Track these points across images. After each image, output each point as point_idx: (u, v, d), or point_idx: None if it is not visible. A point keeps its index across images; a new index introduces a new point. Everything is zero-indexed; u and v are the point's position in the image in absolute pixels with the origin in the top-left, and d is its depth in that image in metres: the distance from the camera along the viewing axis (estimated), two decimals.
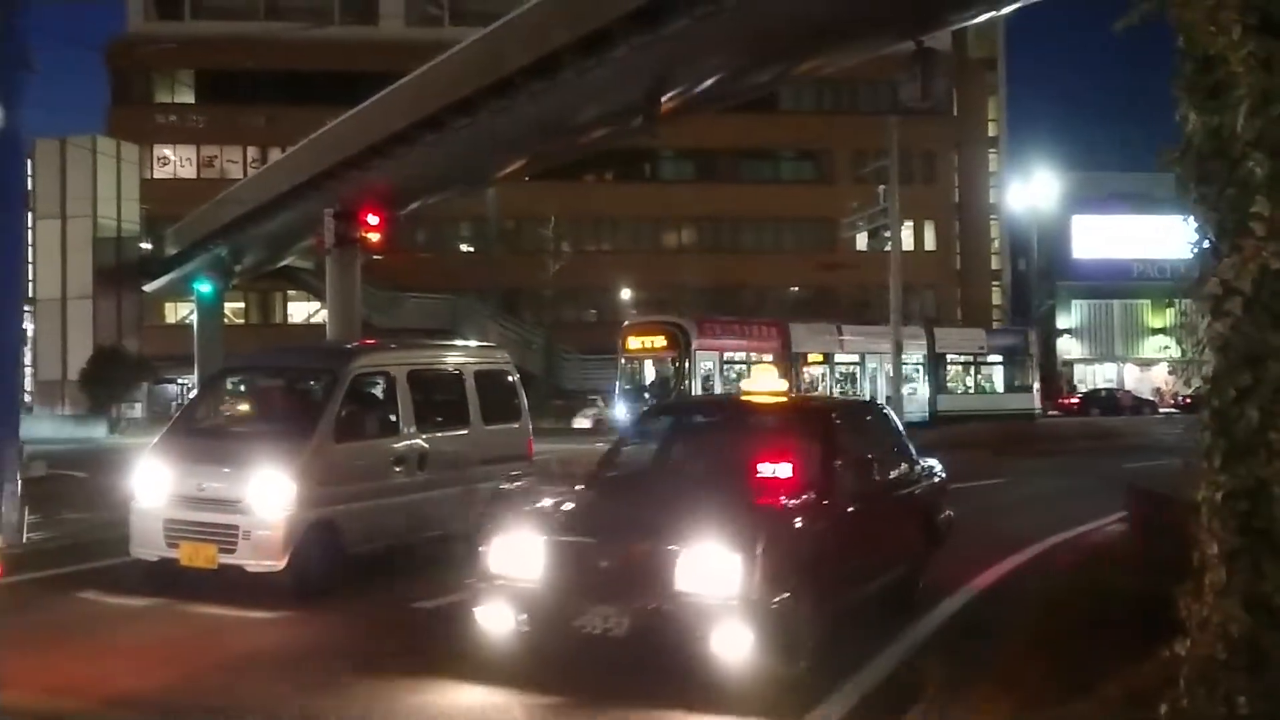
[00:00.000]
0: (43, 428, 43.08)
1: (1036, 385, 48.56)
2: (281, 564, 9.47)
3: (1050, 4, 25.90)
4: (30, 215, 47.30)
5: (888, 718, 6.27)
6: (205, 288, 47.21)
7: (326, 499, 9.84)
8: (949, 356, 44.51)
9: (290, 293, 63.56)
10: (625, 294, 60.01)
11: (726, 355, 37.36)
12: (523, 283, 58.24)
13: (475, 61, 28.07)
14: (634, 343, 37.46)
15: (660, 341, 36.61)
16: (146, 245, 51.36)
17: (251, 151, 64.48)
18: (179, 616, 9.40)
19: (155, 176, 61.81)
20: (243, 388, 12.33)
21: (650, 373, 38.17)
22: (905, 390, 39.62)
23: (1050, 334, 68.41)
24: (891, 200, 34.42)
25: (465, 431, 11.62)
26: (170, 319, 61.36)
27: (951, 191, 74.35)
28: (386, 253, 37.57)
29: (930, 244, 71.53)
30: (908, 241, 54.61)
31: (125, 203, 48.92)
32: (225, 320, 54.49)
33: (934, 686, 6.61)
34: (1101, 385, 67.92)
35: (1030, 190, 57.95)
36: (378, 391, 10.98)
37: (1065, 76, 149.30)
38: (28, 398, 49.61)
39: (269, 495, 9.55)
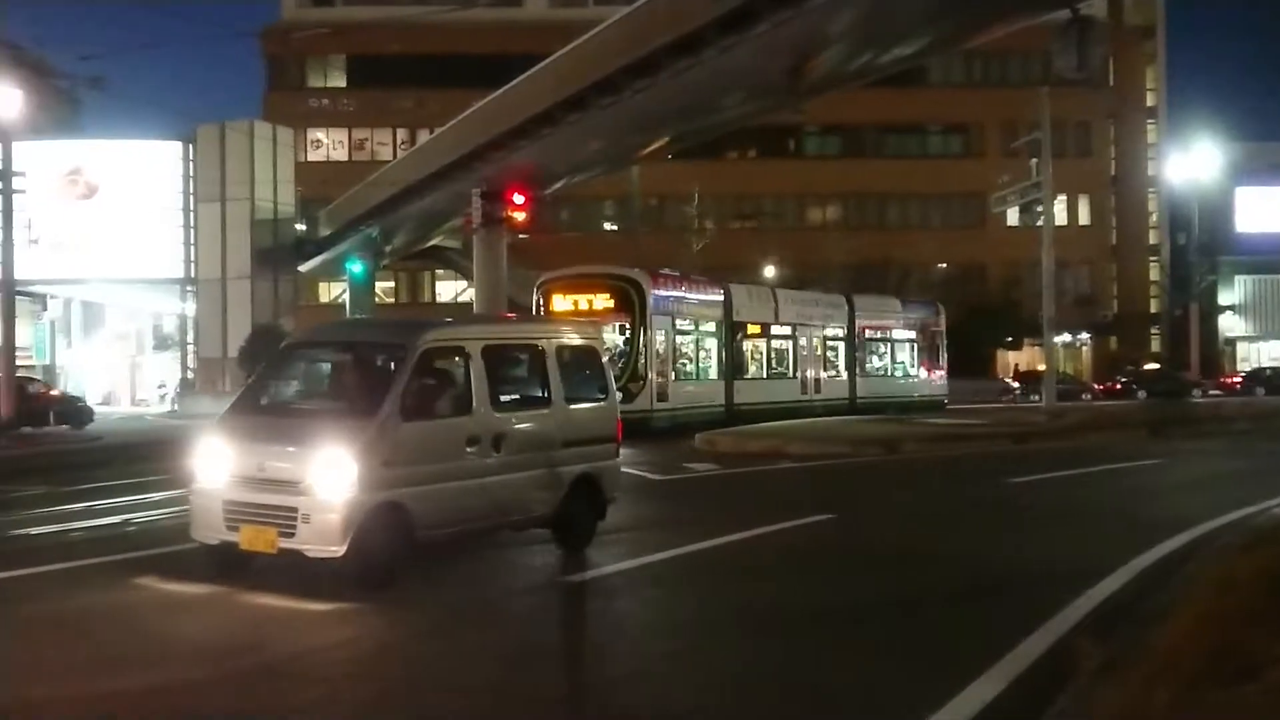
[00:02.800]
0: (202, 404, 44.79)
1: (944, 367, 42.00)
2: (342, 549, 8.87)
3: None
4: (191, 199, 49.11)
5: (1041, 700, 6.14)
6: (357, 267, 48.41)
7: (393, 480, 9.22)
8: (867, 333, 37.72)
9: (438, 272, 64.86)
10: (769, 271, 59.68)
11: (677, 323, 29.38)
12: (666, 261, 58.24)
13: (618, 41, 28.18)
14: (562, 302, 28.24)
15: (605, 301, 27.96)
16: (301, 227, 52.91)
17: (401, 134, 65.88)
18: (227, 607, 8.88)
19: (309, 160, 63.60)
20: (311, 363, 11.73)
21: None
22: (827, 373, 35.57)
23: (1212, 310, 65.99)
24: (1044, 174, 33.61)
25: (546, 411, 10.87)
26: (324, 298, 63.12)
27: (1107, 164, 72.31)
28: (532, 232, 38.09)
29: (1084, 219, 69.64)
30: (1060, 216, 53.20)
31: (281, 185, 50.41)
32: (376, 299, 55.84)
33: (1090, 668, 6.47)
34: (1267, 363, 65.19)
35: (1191, 162, 55.81)
36: (451, 368, 10.30)
37: (1228, 43, 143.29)
38: (190, 374, 51.59)
39: (329, 476, 8.99)
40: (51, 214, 45.91)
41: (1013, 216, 45.36)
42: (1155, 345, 70.66)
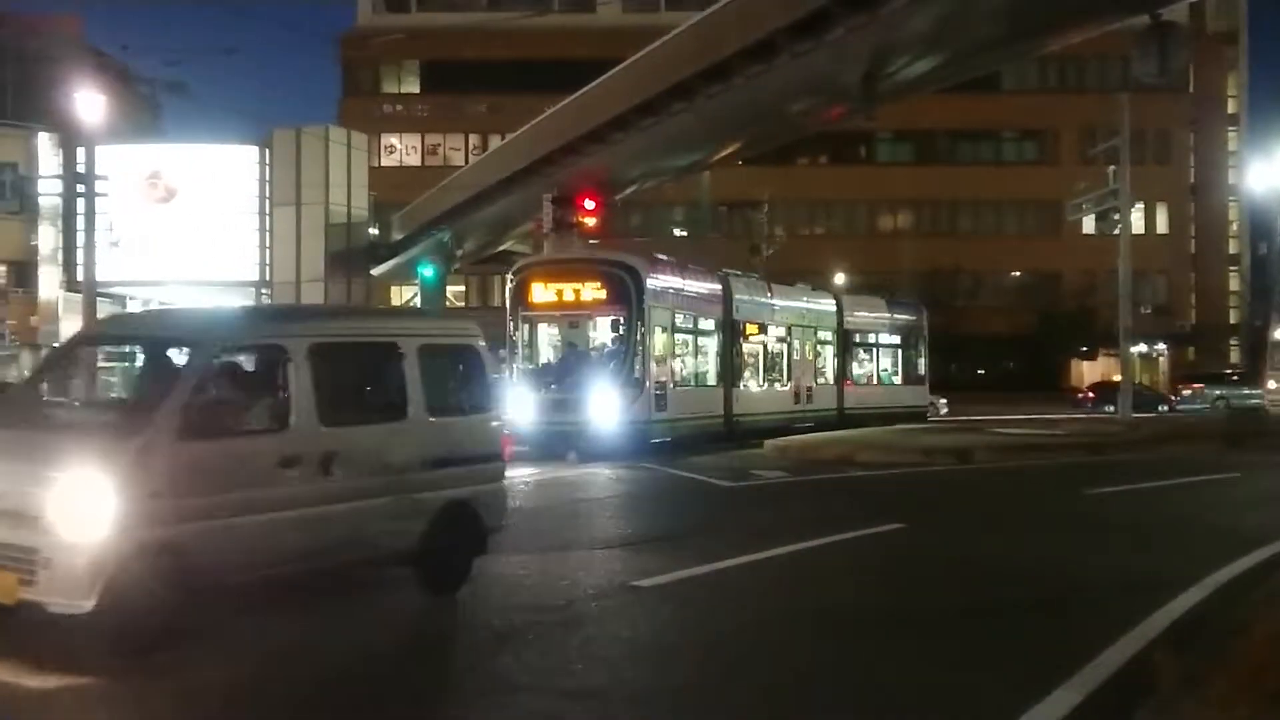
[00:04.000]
0: None
1: (927, 376, 38.56)
2: (89, 604, 6.89)
3: None
4: (267, 203, 49.85)
5: (1119, 713, 6.08)
6: (428, 271, 48.76)
7: (169, 514, 7.24)
8: (855, 336, 33.87)
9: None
10: (839, 278, 59.43)
11: (677, 319, 25.26)
12: (736, 266, 58.38)
13: (691, 46, 28.20)
14: (543, 293, 24.15)
15: (595, 291, 23.65)
16: (374, 231, 53.50)
17: (473, 139, 66.44)
18: None
19: (382, 165, 64.43)
20: (95, 362, 9.82)
21: (556, 338, 25.01)
22: (818, 382, 31.70)
23: None
24: (1122, 181, 33.15)
25: (401, 425, 8.92)
26: (395, 301, 63.78)
27: (1186, 172, 71.14)
28: (602, 236, 38.22)
29: (1162, 227, 68.59)
30: (1138, 224, 52.40)
31: (355, 190, 50.97)
32: (447, 303, 56.29)
33: (1167, 682, 6.40)
34: None
35: (1273, 169, 54.73)
36: (263, 371, 8.49)
37: None
38: None
39: (74, 509, 6.98)
40: (131, 217, 46.76)
41: (1089, 224, 44.81)
42: (1234, 356, 69.40)
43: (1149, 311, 48.85)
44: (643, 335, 23.19)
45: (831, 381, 32.35)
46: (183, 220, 48.79)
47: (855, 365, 34.09)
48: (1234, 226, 75.02)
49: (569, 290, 23.81)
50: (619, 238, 49.51)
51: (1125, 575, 10.32)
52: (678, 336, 25.29)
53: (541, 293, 24.10)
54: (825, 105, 29.13)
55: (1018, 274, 65.73)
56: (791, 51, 24.34)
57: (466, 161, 57.88)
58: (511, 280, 25.10)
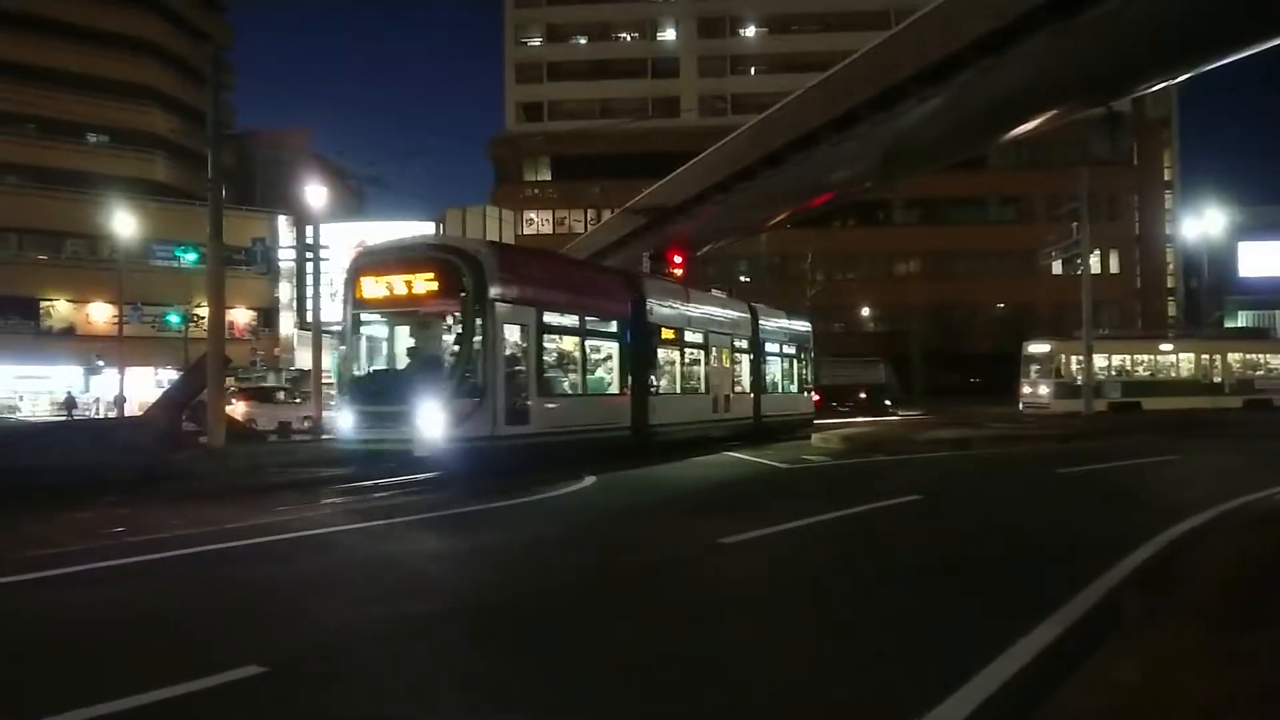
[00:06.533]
0: None
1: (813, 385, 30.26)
2: None
3: (1215, 72, 22.13)
4: None
5: (1095, 640, 5.89)
6: None
7: None
8: (767, 346, 26.00)
9: None
10: (864, 311, 58.73)
11: (548, 317, 16.36)
12: (787, 304, 58.00)
13: (750, 141, 28.23)
14: (374, 287, 15.59)
15: (427, 283, 15.22)
16: None
17: (590, 214, 66.94)
18: None
19: (524, 233, 65.16)
20: None
21: (400, 340, 16.59)
22: (735, 390, 23.82)
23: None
24: (1083, 234, 32.32)
25: None
26: None
27: (1133, 226, 69.37)
28: (686, 284, 38.18)
29: (1115, 268, 67.10)
30: (1095, 267, 51.03)
31: None
32: None
33: (1134, 616, 6.20)
34: None
35: (1201, 223, 53.06)
36: None
37: (1227, 130, 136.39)
38: None
39: None
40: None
41: (1057, 267, 43.74)
42: None
43: (1105, 333, 47.33)
44: (485, 335, 14.83)
45: (748, 390, 24.74)
46: None
47: (768, 374, 26.45)
48: (1170, 266, 72.84)
49: (400, 283, 15.35)
50: (699, 284, 49.48)
51: (1094, 533, 10.03)
52: (559, 339, 17.09)
53: (372, 287, 15.62)
54: (854, 177, 28.91)
55: (1002, 306, 64.41)
56: (829, 142, 24.26)
57: (585, 230, 58.28)
58: (346, 273, 16.10)
